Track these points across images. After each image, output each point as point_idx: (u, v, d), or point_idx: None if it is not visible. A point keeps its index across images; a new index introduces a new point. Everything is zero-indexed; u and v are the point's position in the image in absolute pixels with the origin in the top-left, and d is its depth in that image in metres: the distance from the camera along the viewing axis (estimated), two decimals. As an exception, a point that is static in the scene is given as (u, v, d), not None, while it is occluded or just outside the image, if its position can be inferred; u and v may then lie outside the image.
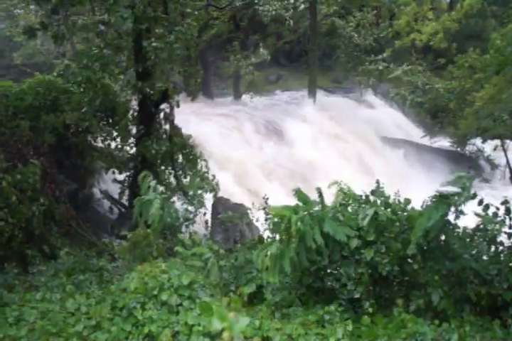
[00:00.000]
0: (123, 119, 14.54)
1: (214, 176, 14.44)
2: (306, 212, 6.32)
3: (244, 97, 32.33)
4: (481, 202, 6.53)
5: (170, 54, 13.46)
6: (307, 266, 6.39)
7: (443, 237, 6.56)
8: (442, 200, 6.22)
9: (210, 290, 6.75)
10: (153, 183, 9.16)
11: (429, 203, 6.45)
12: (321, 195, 6.75)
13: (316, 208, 6.50)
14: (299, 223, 6.08)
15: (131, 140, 14.83)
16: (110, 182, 15.65)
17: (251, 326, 5.30)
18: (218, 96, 34.26)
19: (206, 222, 13.03)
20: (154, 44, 12.93)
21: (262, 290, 6.88)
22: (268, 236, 9.35)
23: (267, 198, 10.35)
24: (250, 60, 29.45)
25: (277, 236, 6.80)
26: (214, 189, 13.91)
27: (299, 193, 6.62)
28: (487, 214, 6.56)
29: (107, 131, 14.71)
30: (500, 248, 6.59)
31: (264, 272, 6.32)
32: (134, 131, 14.74)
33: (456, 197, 6.11)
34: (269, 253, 6.25)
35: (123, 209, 15.30)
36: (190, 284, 6.67)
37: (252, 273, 7.24)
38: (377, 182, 7.48)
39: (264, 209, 10.25)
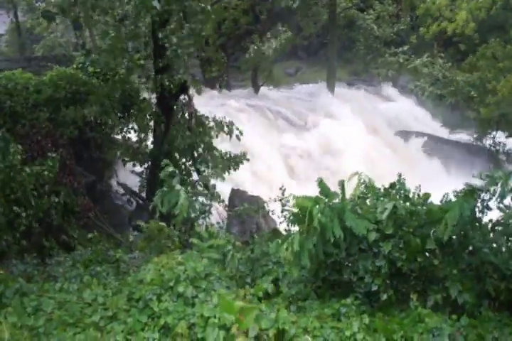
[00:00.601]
0: (142, 112, 14.61)
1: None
2: (326, 204, 6.27)
3: (263, 90, 32.21)
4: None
5: (188, 47, 13.49)
6: (323, 259, 6.35)
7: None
8: (472, 194, 6.14)
9: (226, 283, 6.77)
10: (176, 175, 9.19)
11: (452, 197, 6.38)
12: (342, 188, 6.71)
13: (336, 200, 6.46)
14: (319, 215, 6.04)
15: (151, 132, 14.90)
16: (128, 175, 15.75)
17: (266, 318, 5.29)
18: (236, 88, 34.18)
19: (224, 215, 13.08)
20: (173, 37, 12.95)
21: (278, 283, 6.86)
22: (285, 229, 9.35)
23: (284, 189, 10.31)
24: (271, 46, 29.10)
25: (295, 228, 6.77)
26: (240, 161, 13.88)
27: (321, 184, 6.58)
28: (509, 209, 6.45)
29: (126, 124, 14.79)
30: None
31: (286, 265, 6.28)
32: (151, 123, 14.81)
33: (484, 192, 6.04)
34: (293, 246, 6.20)
35: (141, 201, 15.39)
36: (207, 276, 6.69)
37: (269, 266, 7.22)
38: (399, 175, 7.41)
39: (280, 200, 10.22)
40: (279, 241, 6.80)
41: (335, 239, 6.17)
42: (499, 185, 6.06)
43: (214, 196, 13.47)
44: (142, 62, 13.92)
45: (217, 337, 5.16)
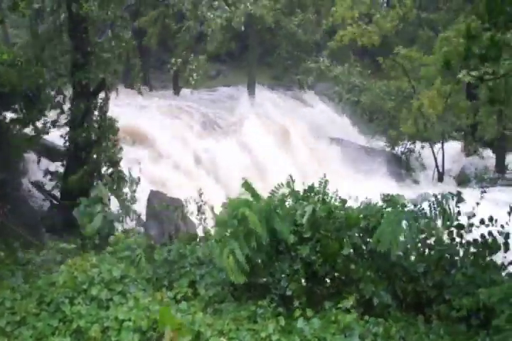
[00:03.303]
0: (47, 107, 14.01)
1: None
2: (255, 208, 6.29)
3: (184, 91, 31.98)
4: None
5: (108, 45, 13.24)
6: (257, 263, 6.37)
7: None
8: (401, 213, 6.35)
9: (142, 285, 6.67)
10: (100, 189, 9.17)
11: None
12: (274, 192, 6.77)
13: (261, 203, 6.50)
14: (252, 218, 6.06)
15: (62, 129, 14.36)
16: (42, 173, 15.15)
17: (182, 321, 5.26)
18: (158, 89, 33.73)
19: (139, 216, 12.82)
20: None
21: (196, 285, 6.82)
22: (203, 231, 9.32)
23: (202, 193, 10.31)
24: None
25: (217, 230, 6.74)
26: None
27: (246, 186, 6.59)
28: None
29: (30, 119, 14.06)
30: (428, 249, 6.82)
31: (229, 273, 6.21)
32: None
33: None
34: (234, 253, 6.15)
35: (55, 201, 14.86)
36: (122, 278, 6.56)
37: (186, 268, 7.16)
38: (325, 176, 7.48)
39: (197, 203, 10.20)
40: (214, 245, 6.73)
41: (259, 243, 6.21)
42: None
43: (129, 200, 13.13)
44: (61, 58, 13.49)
45: (132, 340, 5.08)
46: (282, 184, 7.00)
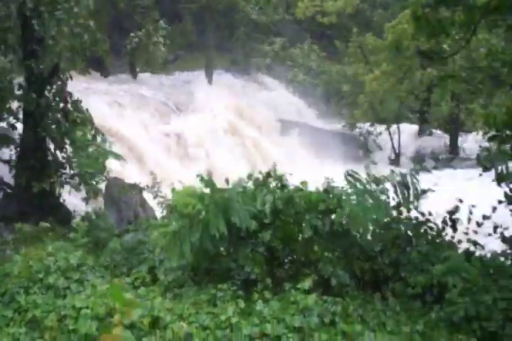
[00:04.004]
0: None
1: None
2: (211, 200, 6.27)
3: (141, 76, 31.52)
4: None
5: (60, 30, 12.84)
6: (211, 251, 6.37)
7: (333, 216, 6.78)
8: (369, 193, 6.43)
9: (100, 272, 6.60)
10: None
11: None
12: (227, 182, 6.74)
13: (220, 194, 6.48)
14: (203, 212, 6.05)
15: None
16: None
17: (141, 307, 5.23)
18: (114, 74, 33.11)
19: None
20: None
21: (155, 271, 6.78)
22: (162, 216, 9.26)
23: (155, 177, 10.26)
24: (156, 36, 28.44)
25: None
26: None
27: (203, 179, 6.56)
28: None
29: None
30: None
31: (164, 251, 6.20)
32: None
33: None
34: (176, 238, 6.13)
35: (9, 190, 14.49)
36: (79, 266, 6.48)
37: (145, 254, 7.12)
38: (275, 164, 7.54)
39: (154, 193, 10.12)
40: (158, 231, 6.69)
41: (220, 234, 6.21)
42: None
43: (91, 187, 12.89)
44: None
45: (89, 327, 5.03)
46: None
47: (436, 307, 5.91)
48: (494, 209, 7.22)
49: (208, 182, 6.57)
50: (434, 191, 6.75)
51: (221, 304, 5.86)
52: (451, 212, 7.18)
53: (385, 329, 5.68)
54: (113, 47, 34.96)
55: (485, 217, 7.21)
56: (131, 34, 28.86)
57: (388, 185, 6.72)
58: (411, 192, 6.59)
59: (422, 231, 6.98)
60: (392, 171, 6.69)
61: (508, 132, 7.38)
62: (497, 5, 7.10)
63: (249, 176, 6.98)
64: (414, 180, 6.55)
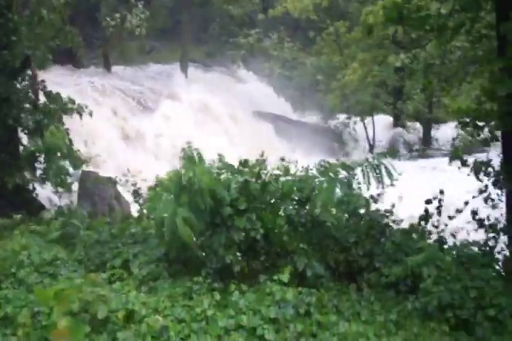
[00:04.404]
0: None
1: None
2: (195, 174, 6.26)
3: (115, 68, 31.11)
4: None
5: (30, 21, 12.63)
6: (201, 228, 6.34)
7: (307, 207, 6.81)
8: (336, 176, 6.46)
9: (74, 267, 6.54)
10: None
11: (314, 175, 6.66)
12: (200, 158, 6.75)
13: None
14: (195, 179, 6.03)
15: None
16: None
17: (115, 300, 5.20)
18: (87, 66, 32.61)
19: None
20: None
21: (129, 265, 6.73)
22: (137, 211, 9.22)
23: (129, 170, 10.21)
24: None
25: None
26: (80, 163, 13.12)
27: (186, 153, 6.55)
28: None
29: None
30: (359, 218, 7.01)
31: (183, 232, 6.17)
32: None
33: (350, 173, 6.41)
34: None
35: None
36: (53, 261, 6.41)
37: (119, 248, 7.06)
38: (262, 154, 7.52)
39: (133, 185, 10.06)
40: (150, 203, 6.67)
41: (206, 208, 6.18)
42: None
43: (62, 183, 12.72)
44: None
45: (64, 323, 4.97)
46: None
47: (411, 297, 6.00)
48: (466, 203, 7.39)
49: (190, 156, 6.55)
50: (397, 179, 6.80)
51: (197, 297, 5.86)
52: (428, 201, 7.33)
53: (360, 319, 5.75)
54: (87, 38, 34.50)
55: (458, 211, 7.38)
56: (104, 22, 28.27)
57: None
58: (381, 178, 6.64)
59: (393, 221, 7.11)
60: (366, 159, 6.75)
61: (477, 121, 7.52)
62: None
63: (243, 162, 7.02)
64: (383, 167, 6.61)
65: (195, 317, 5.38)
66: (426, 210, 7.38)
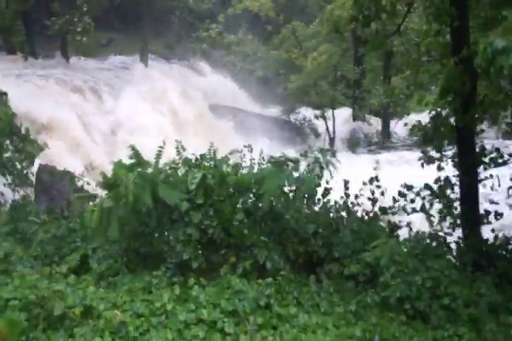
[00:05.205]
0: None
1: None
2: (140, 173, 6.17)
3: (74, 60, 30.48)
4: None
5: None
6: (136, 227, 6.27)
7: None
8: (282, 166, 6.49)
9: (30, 262, 6.40)
10: None
11: (265, 167, 6.70)
12: (157, 157, 6.66)
13: (149, 169, 6.40)
14: (132, 183, 5.93)
15: None
16: None
17: (73, 296, 5.11)
18: (45, 57, 31.85)
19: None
20: None
21: (88, 260, 6.62)
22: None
23: (91, 163, 10.01)
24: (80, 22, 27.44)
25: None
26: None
27: (134, 151, 6.44)
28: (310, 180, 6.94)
29: None
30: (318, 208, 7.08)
31: (92, 233, 6.07)
32: None
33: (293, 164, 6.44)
34: (101, 211, 6.00)
35: None
36: (7, 257, 6.26)
37: (77, 243, 6.94)
38: (211, 145, 7.49)
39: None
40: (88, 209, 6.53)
41: (147, 209, 6.12)
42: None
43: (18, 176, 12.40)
44: None
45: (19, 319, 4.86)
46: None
47: (370, 291, 6.09)
48: (417, 194, 7.60)
49: (137, 154, 6.46)
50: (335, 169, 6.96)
51: (156, 291, 5.81)
52: (374, 184, 7.50)
53: (319, 311, 5.81)
54: (43, 30, 33.64)
55: (400, 194, 7.58)
56: (53, 18, 27.66)
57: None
58: (325, 170, 6.83)
59: (351, 210, 7.23)
60: (305, 151, 6.86)
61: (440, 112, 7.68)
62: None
63: (200, 156, 6.97)
64: (326, 160, 6.76)
65: (155, 312, 5.34)
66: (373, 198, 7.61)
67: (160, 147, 6.73)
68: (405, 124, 9.55)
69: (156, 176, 6.29)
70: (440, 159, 7.99)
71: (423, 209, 7.67)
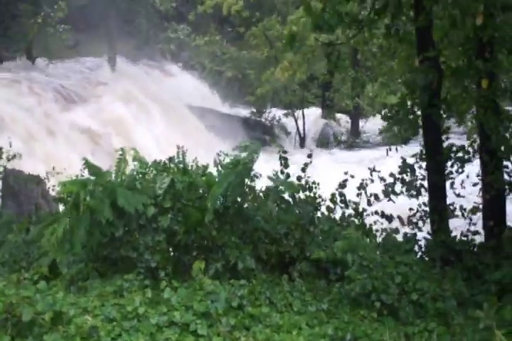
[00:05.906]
0: None
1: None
2: (96, 186, 6.11)
3: (39, 62, 30.05)
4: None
5: None
6: (100, 239, 6.21)
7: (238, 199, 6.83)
8: (237, 164, 6.50)
9: (-3, 269, 6.29)
10: None
11: (221, 169, 6.71)
12: (119, 163, 6.60)
13: (109, 178, 6.34)
14: (87, 198, 5.87)
15: None
16: None
17: (42, 302, 5.03)
18: (8, 60, 31.30)
19: None
20: None
21: (57, 265, 6.53)
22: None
23: (54, 168, 9.91)
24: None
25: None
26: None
27: (88, 165, 6.37)
28: (278, 177, 6.98)
29: None
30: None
31: (52, 251, 6.00)
32: None
33: (247, 162, 6.43)
34: (57, 232, 5.93)
35: None
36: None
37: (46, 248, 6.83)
38: (178, 148, 7.47)
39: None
40: (44, 225, 6.44)
41: (108, 220, 6.06)
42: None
43: None
44: None
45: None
46: (137, 157, 6.92)
47: (337, 283, 6.16)
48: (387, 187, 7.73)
49: (92, 166, 6.40)
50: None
51: (128, 295, 5.76)
52: (341, 186, 7.59)
53: (292, 310, 5.84)
54: (6, 32, 33.06)
55: (376, 197, 7.70)
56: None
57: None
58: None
59: (321, 209, 7.28)
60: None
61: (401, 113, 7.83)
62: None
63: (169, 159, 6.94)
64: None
65: (127, 316, 5.28)
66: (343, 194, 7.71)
67: (120, 153, 6.66)
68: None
69: (118, 185, 6.23)
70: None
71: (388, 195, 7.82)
